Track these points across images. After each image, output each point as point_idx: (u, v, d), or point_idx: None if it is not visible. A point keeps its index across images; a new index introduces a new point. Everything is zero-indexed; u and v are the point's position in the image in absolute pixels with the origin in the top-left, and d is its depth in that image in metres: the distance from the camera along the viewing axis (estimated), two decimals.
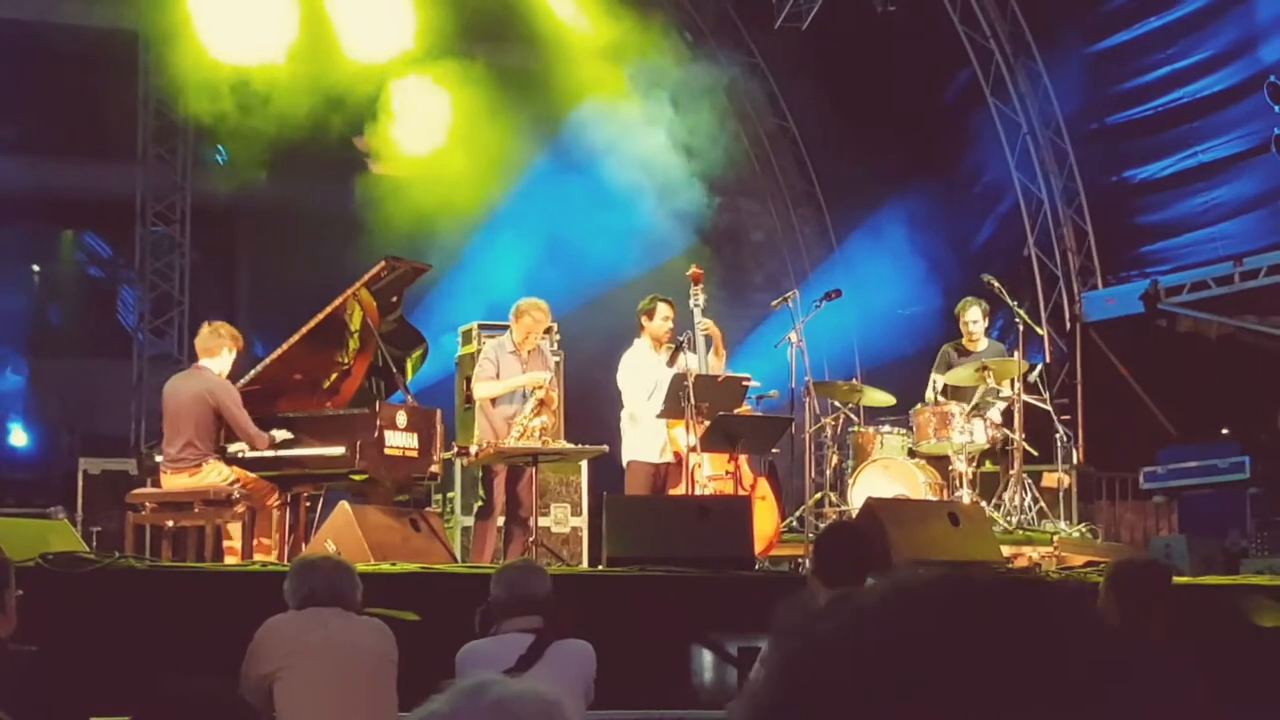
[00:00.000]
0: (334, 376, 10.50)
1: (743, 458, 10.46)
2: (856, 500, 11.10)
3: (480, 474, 10.68)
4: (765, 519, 10.32)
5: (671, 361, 10.68)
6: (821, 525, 11.18)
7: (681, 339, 10.62)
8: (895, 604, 1.07)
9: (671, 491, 10.48)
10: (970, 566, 8.70)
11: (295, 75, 13.83)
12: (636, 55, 15.31)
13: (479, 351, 11.17)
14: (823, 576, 5.45)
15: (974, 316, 12.09)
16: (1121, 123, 15.65)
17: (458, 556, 10.36)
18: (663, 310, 10.85)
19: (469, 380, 11.02)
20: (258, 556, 9.36)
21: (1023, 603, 1.07)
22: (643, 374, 10.70)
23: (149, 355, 16.22)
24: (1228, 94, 14.42)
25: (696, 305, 10.85)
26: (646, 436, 10.69)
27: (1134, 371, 15.31)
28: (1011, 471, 11.65)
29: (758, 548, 9.65)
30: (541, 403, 10.36)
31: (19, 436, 16.34)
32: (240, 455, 9.66)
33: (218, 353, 9.80)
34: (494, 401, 10.56)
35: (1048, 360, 15.10)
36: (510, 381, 10.53)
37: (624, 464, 10.91)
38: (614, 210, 15.30)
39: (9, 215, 16.62)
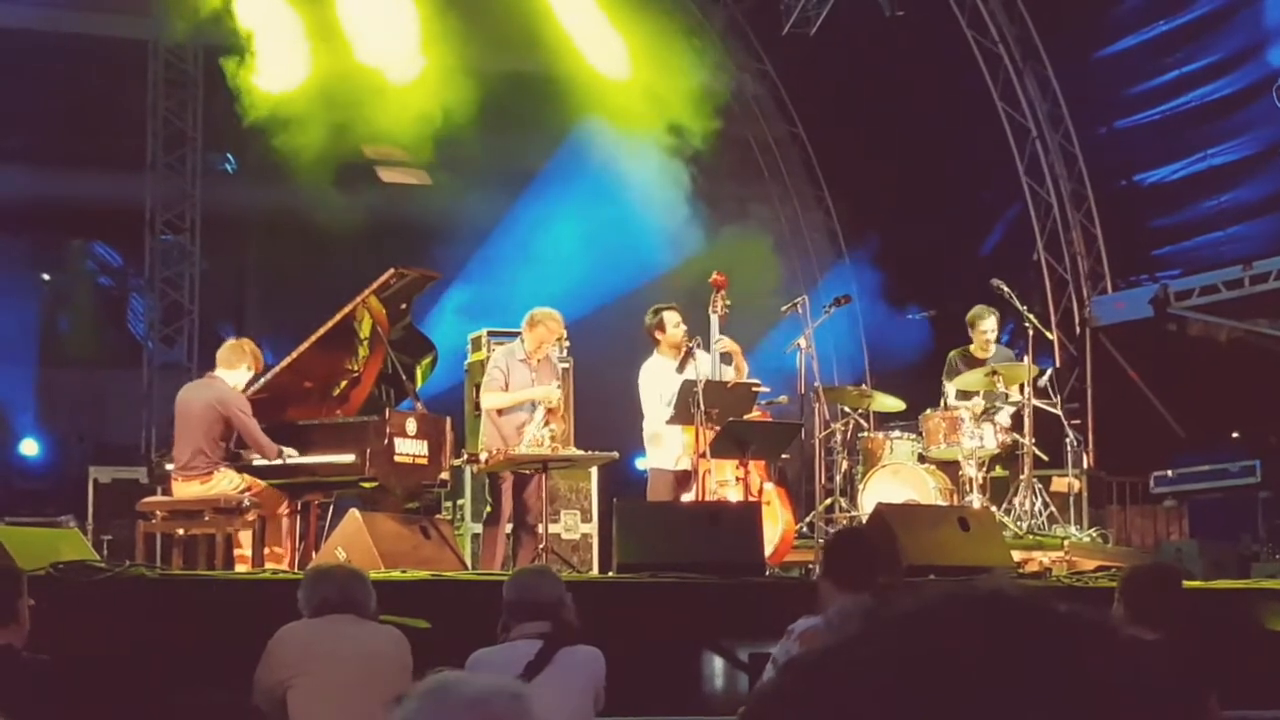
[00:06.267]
0: (344, 384, 10.52)
1: (754, 463, 10.45)
2: (866, 505, 11.09)
3: (488, 480, 10.69)
4: (775, 525, 10.32)
5: (681, 368, 10.66)
6: (832, 531, 11.19)
7: (691, 344, 10.61)
8: (918, 621, 1.07)
9: (683, 497, 10.48)
10: (982, 573, 8.70)
11: (306, 83, 13.85)
12: (645, 62, 15.32)
13: (488, 358, 11.18)
14: (834, 580, 5.49)
15: (990, 326, 12.06)
16: (1130, 126, 15.65)
17: (468, 564, 10.38)
18: (670, 318, 10.84)
19: (479, 387, 11.02)
20: (269, 565, 9.37)
21: (1047, 620, 1.07)
22: (659, 383, 10.69)
23: (159, 364, 16.27)
24: (1237, 98, 14.41)
25: (715, 313, 10.81)
26: (665, 444, 10.69)
27: (1144, 376, 15.29)
28: (1022, 476, 11.63)
29: (769, 553, 9.64)
30: (550, 412, 10.37)
31: (30, 446, 16.36)
32: (256, 463, 9.67)
33: (236, 366, 9.82)
34: (500, 410, 10.57)
35: (1057, 365, 15.11)
36: (517, 395, 10.53)
37: (647, 472, 10.95)
38: (623, 216, 15.31)
39: (19, 224, 16.67)
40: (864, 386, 12.99)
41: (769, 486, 10.63)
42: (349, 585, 5.82)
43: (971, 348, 12.15)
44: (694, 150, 15.40)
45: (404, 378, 10.17)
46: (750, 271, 15.88)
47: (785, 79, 18.30)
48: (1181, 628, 5.12)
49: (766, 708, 1.12)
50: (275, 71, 13.69)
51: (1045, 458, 12.03)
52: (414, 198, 17.91)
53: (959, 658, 1.02)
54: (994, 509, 11.15)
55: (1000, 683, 1.01)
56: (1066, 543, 11.20)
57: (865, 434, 12.16)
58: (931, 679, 1.02)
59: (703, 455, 10.14)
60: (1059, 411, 12.21)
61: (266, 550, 9.52)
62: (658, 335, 10.86)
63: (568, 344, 11.89)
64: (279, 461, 9.64)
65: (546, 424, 10.34)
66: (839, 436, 12.18)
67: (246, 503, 9.38)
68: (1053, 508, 11.72)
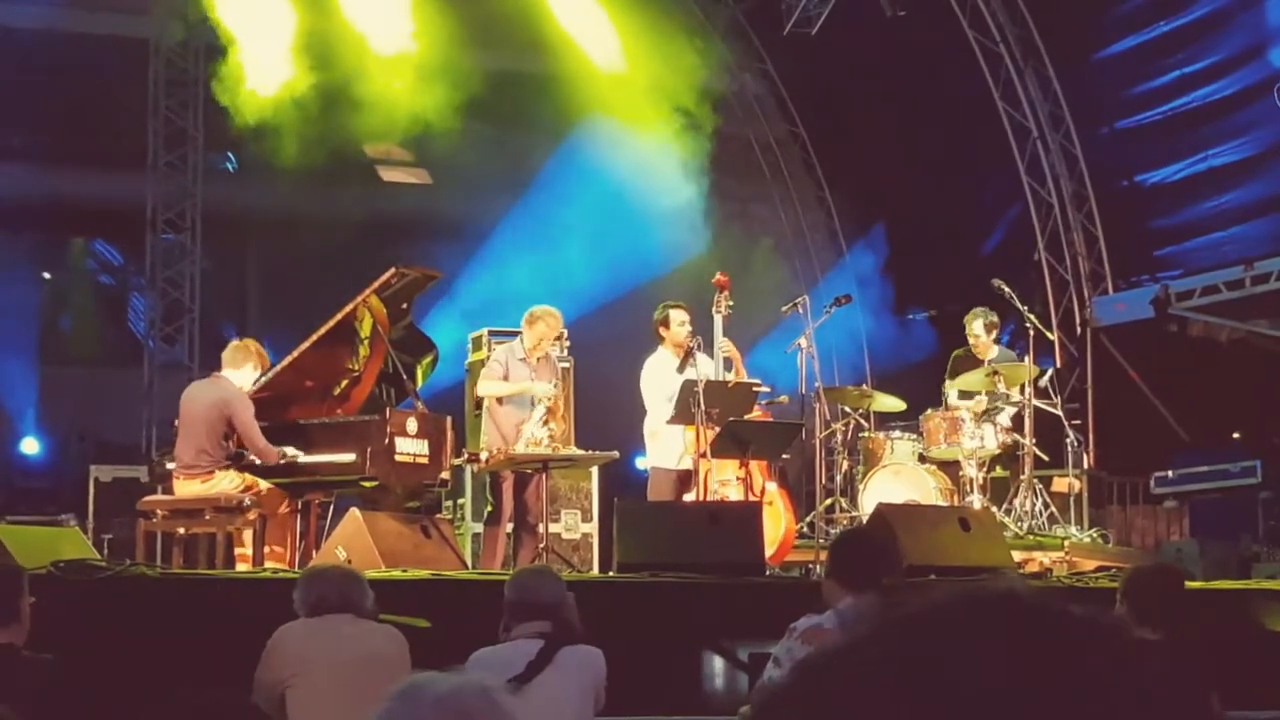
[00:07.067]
0: (344, 383, 10.51)
1: (756, 463, 10.45)
2: (867, 505, 11.09)
3: (489, 480, 10.69)
4: (777, 525, 10.32)
5: (682, 368, 10.67)
6: (832, 531, 11.20)
7: (693, 344, 10.60)
8: (927, 623, 1.07)
9: (684, 497, 10.48)
10: (982, 574, 8.70)
11: (306, 81, 13.84)
12: (647, 61, 15.32)
13: (489, 358, 11.19)
14: (838, 580, 5.49)
15: (978, 330, 12.05)
16: (1132, 127, 15.65)
17: (468, 563, 10.37)
18: (677, 316, 10.84)
19: None
20: (270, 564, 9.37)
21: (1065, 628, 1.06)
22: (662, 380, 10.70)
23: (160, 363, 16.26)
24: (1238, 98, 14.42)
25: (719, 313, 10.81)
26: (667, 444, 10.69)
27: (1145, 376, 15.30)
28: (1022, 476, 11.63)
29: (769, 553, 9.64)
30: (550, 411, 10.36)
31: (30, 444, 16.36)
32: (258, 461, 9.67)
33: (240, 366, 9.81)
34: (500, 401, 10.57)
35: (1058, 365, 15.11)
36: (514, 386, 10.53)
37: (648, 471, 10.95)
38: (624, 216, 15.31)
39: (20, 223, 16.66)
40: (864, 386, 12.99)
41: (771, 486, 10.63)
42: (344, 585, 5.81)
43: (971, 348, 12.16)
44: (695, 150, 15.40)
45: (405, 377, 10.17)
46: (751, 271, 15.90)
47: (786, 79, 18.30)
48: (1183, 628, 5.13)
49: (775, 707, 1.12)
50: (270, 72, 13.68)
51: (1046, 458, 12.02)
52: (415, 197, 17.93)
53: (972, 660, 1.02)
54: (994, 509, 11.15)
55: (1013, 684, 1.01)
56: (1067, 543, 11.20)
57: (866, 434, 12.16)
58: (943, 681, 1.01)
59: (703, 455, 10.14)
60: (1059, 412, 12.20)
61: (267, 549, 9.51)
62: (662, 332, 10.87)
63: (568, 343, 11.90)
64: (280, 461, 9.64)
65: (545, 423, 10.34)
66: (840, 436, 12.18)
67: (247, 502, 9.37)
68: (1053, 508, 11.72)
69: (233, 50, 13.65)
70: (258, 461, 9.66)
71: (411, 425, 9.79)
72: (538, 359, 10.65)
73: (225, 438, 9.63)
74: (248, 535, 9.48)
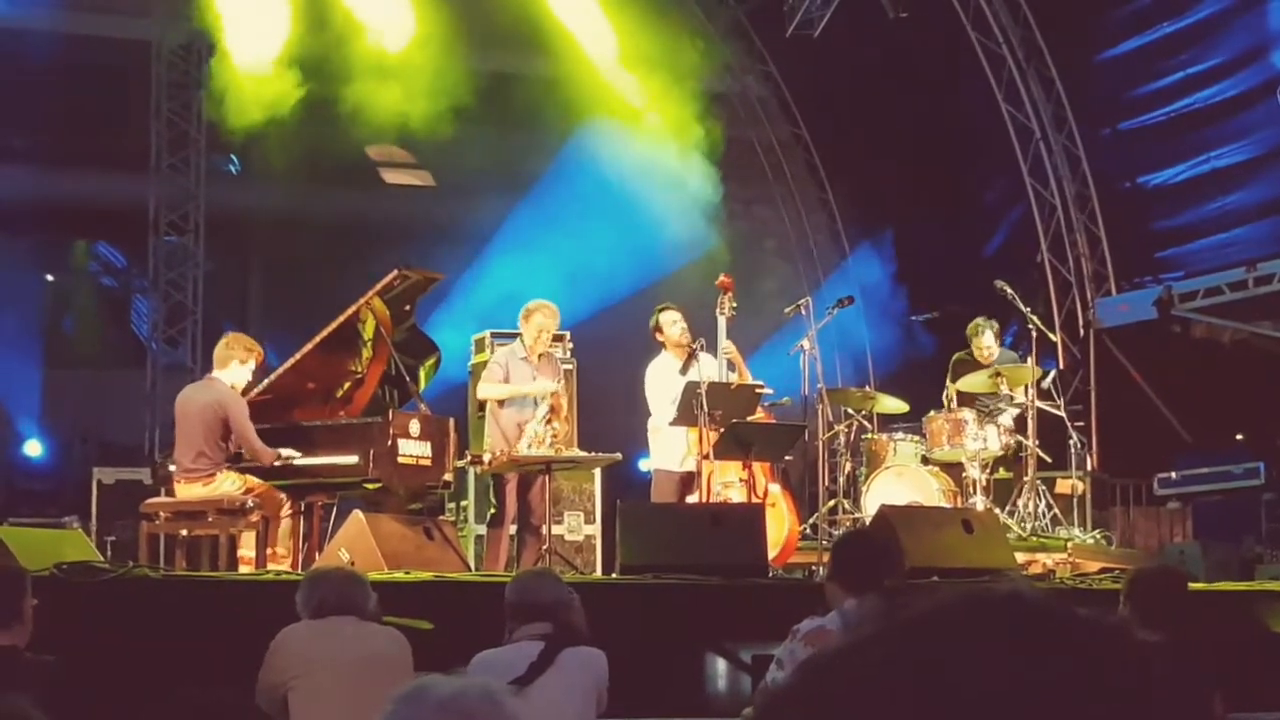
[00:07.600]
0: (347, 385, 10.52)
1: (759, 465, 10.44)
2: (870, 507, 11.08)
3: (492, 482, 10.68)
4: (780, 526, 10.32)
5: (685, 369, 10.66)
6: (835, 532, 11.19)
7: (695, 346, 10.59)
8: (933, 627, 1.07)
9: (687, 499, 10.48)
10: (985, 575, 8.69)
11: (308, 84, 13.84)
12: (649, 63, 15.32)
13: (491, 359, 11.19)
14: (840, 582, 5.49)
15: (988, 341, 12.06)
16: (1135, 128, 15.64)
17: (471, 565, 10.37)
18: (668, 318, 10.85)
19: None
20: (272, 566, 9.37)
21: (1070, 630, 1.06)
22: (665, 384, 10.70)
23: (163, 365, 16.26)
24: (1241, 99, 14.41)
25: (723, 314, 10.80)
26: (670, 445, 10.69)
27: (1148, 377, 15.28)
28: (1025, 478, 11.63)
29: (772, 555, 9.63)
30: (552, 409, 10.34)
31: (33, 446, 16.37)
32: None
33: (227, 364, 9.82)
34: (502, 404, 10.56)
35: (1061, 366, 15.09)
36: (514, 387, 10.52)
37: (650, 473, 10.96)
38: (627, 218, 15.31)
39: (23, 225, 16.66)
40: (867, 388, 12.98)
41: (774, 488, 10.64)
42: (347, 587, 5.82)
43: (979, 360, 12.16)
44: (698, 152, 15.40)
45: (407, 379, 10.17)
46: (754, 273, 15.89)
47: (789, 80, 18.30)
48: (1186, 630, 5.12)
49: (778, 708, 1.12)
50: (271, 75, 13.67)
51: (1049, 459, 12.02)
52: (417, 199, 17.93)
53: (974, 662, 1.02)
54: (997, 511, 11.15)
55: (1015, 686, 1.01)
56: (1070, 544, 11.19)
57: (869, 436, 12.16)
58: (946, 683, 1.01)
59: (706, 457, 10.14)
60: (1062, 413, 12.20)
61: (269, 551, 9.51)
62: (658, 336, 10.89)
63: (571, 345, 11.89)
64: (278, 463, 9.64)
65: (549, 421, 10.32)
66: (842, 438, 12.17)
67: (249, 504, 9.37)
68: (1056, 509, 11.72)
69: (231, 55, 13.65)
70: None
71: (414, 427, 9.79)
72: (539, 356, 10.64)
73: (223, 439, 9.63)
74: (250, 537, 9.47)
